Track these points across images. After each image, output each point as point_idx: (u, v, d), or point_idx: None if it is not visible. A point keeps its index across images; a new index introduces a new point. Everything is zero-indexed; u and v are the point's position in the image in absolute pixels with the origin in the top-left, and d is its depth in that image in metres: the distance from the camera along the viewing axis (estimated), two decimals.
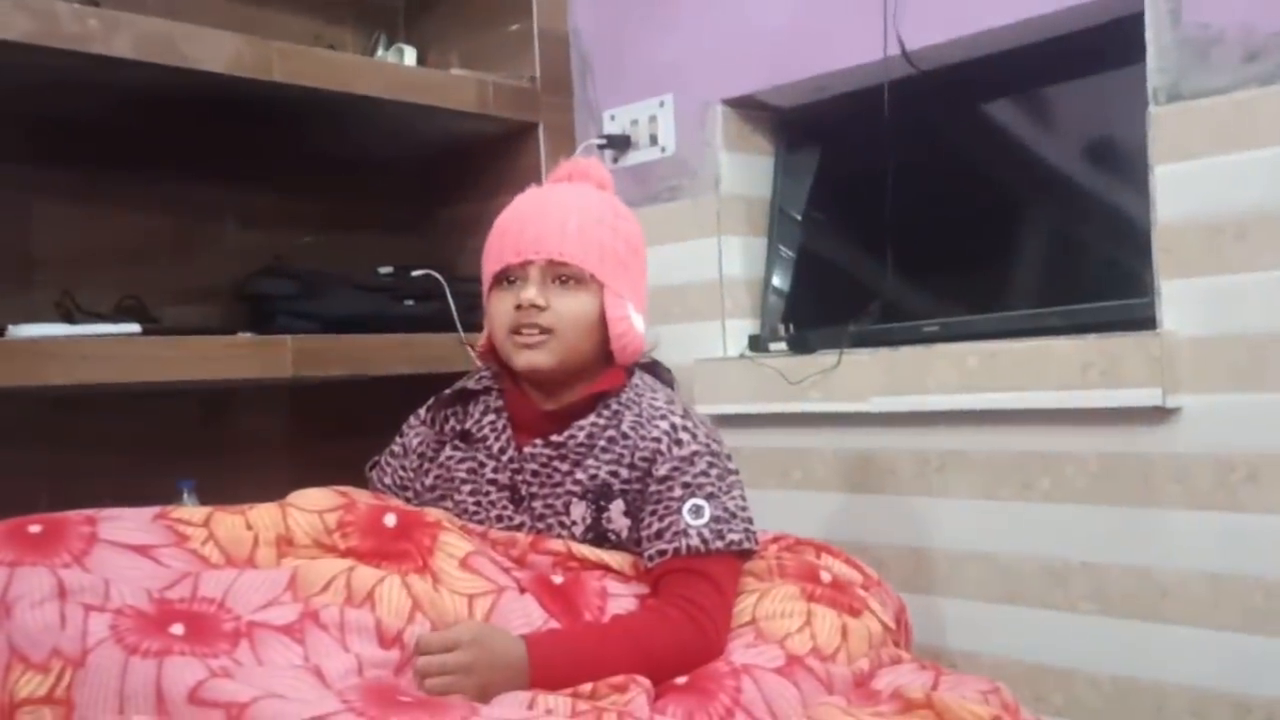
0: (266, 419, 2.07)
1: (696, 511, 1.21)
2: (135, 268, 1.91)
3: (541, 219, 1.27)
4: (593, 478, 1.26)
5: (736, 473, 1.29)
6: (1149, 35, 1.41)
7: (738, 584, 1.24)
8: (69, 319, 1.65)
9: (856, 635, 1.17)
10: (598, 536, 1.25)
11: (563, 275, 1.26)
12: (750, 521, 1.25)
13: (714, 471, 1.25)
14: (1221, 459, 1.35)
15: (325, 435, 1.99)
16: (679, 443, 1.25)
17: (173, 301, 1.89)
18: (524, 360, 1.26)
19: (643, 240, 1.35)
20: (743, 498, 1.26)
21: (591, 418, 1.26)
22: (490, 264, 1.29)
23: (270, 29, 1.93)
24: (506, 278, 1.28)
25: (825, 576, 1.25)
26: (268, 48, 1.69)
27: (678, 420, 1.27)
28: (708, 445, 1.27)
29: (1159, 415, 1.39)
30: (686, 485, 1.22)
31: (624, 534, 1.25)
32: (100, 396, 1.83)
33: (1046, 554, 1.49)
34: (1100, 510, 1.45)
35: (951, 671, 1.19)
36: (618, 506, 1.25)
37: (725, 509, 1.23)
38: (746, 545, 1.23)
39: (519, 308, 1.25)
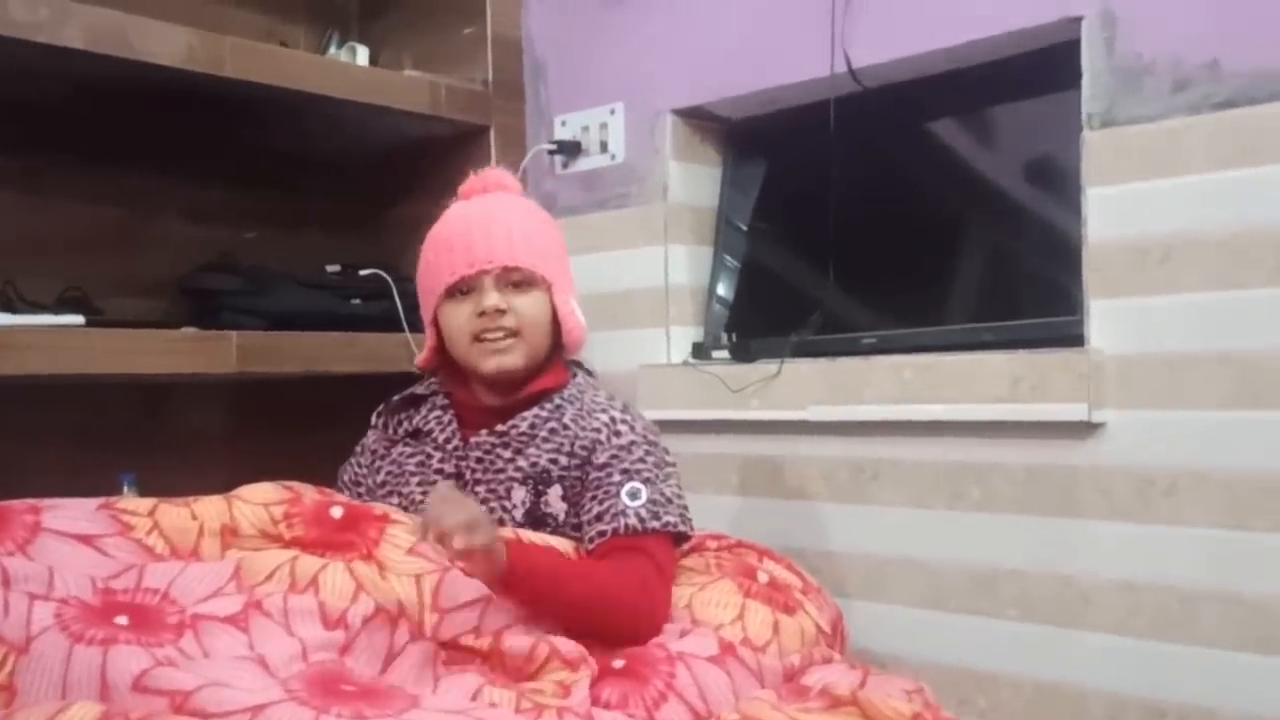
0: (209, 414, 2.06)
1: (634, 494, 1.27)
2: (79, 259, 1.89)
3: (486, 230, 1.34)
4: (533, 464, 1.31)
5: (673, 465, 1.36)
6: (1085, 62, 1.46)
7: (675, 566, 1.29)
8: (10, 309, 1.63)
9: (788, 631, 1.20)
10: (535, 520, 1.30)
11: (515, 280, 1.34)
12: (686, 510, 1.32)
13: (650, 459, 1.32)
14: (1142, 473, 1.40)
15: (268, 431, 1.99)
16: (618, 434, 1.32)
17: (117, 294, 1.87)
18: (494, 364, 1.32)
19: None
20: (679, 487, 1.34)
21: (535, 410, 1.32)
22: (440, 277, 1.35)
23: (223, 24, 1.92)
24: (459, 289, 1.34)
25: (763, 577, 1.29)
26: (220, 43, 1.69)
27: (617, 414, 1.35)
28: (645, 436, 1.34)
29: (1084, 429, 1.44)
30: (625, 471, 1.29)
31: (561, 518, 1.30)
32: (39, 388, 1.81)
33: (975, 561, 1.54)
34: (1026, 520, 1.49)
35: (879, 672, 1.23)
36: (555, 492, 1.30)
37: (661, 494, 1.29)
38: (682, 529, 1.30)
39: (481, 314, 1.31)
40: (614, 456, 1.30)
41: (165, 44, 1.63)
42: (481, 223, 1.35)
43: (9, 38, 1.49)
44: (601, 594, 1.20)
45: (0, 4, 1.48)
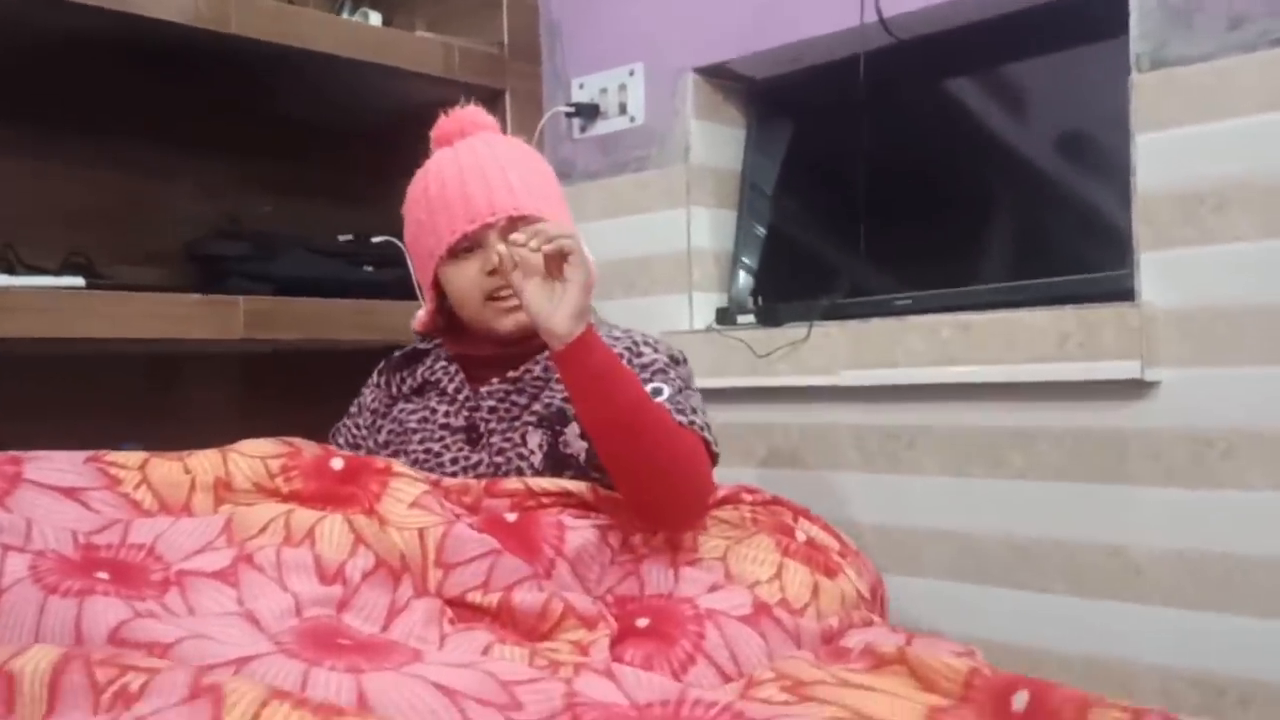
0: (218, 387, 2.00)
1: (656, 393, 1.18)
2: (84, 228, 1.83)
3: (483, 180, 1.24)
4: (548, 406, 1.23)
5: (698, 392, 1.28)
6: (1132, 1, 1.38)
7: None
8: (10, 272, 1.58)
9: (828, 595, 1.12)
10: (556, 464, 1.22)
11: (521, 229, 1.21)
12: (711, 428, 1.23)
13: (672, 373, 1.24)
14: (1198, 434, 1.31)
15: (278, 404, 1.92)
16: (640, 354, 1.24)
17: (122, 262, 1.82)
18: (513, 322, 1.23)
19: None
20: (704, 409, 1.24)
21: (548, 351, 1.21)
22: (439, 237, 1.25)
23: None
24: (462, 247, 1.24)
25: (800, 536, 1.21)
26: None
27: (639, 339, 1.27)
28: (670, 358, 1.27)
29: (1136, 389, 1.35)
30: (646, 380, 1.20)
31: (582, 458, 1.21)
32: (41, 360, 1.76)
33: (1018, 532, 1.45)
34: (1073, 487, 1.41)
35: (924, 635, 1.14)
36: (573, 430, 1.21)
37: (688, 403, 1.21)
38: (708, 437, 1.20)
39: (492, 273, 1.20)
40: (636, 372, 1.19)
41: None
42: (476, 172, 1.24)
43: None
44: (662, 425, 1.11)
45: None
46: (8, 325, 1.42)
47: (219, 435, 1.52)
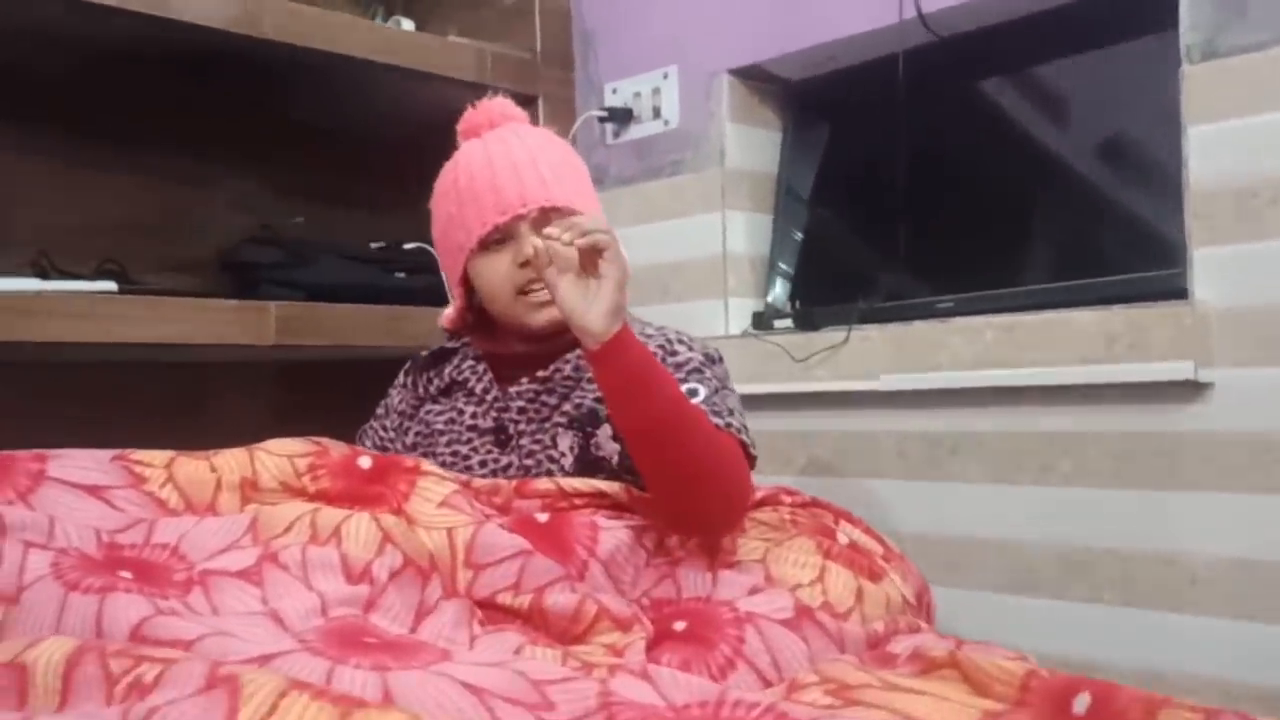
0: (248, 395, 1.99)
1: (691, 394, 1.14)
2: (118, 236, 1.83)
3: (513, 172, 1.21)
4: (578, 406, 1.20)
5: (735, 391, 1.23)
6: None
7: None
8: (43, 277, 1.57)
9: (872, 599, 1.08)
10: (587, 466, 1.18)
11: (553, 221, 1.17)
12: (748, 430, 1.18)
13: (708, 372, 1.19)
14: (1257, 437, 1.26)
15: (308, 414, 1.89)
16: (674, 353, 1.20)
17: (156, 271, 1.81)
18: (546, 317, 1.19)
19: None
20: (741, 410, 1.20)
21: (578, 351, 1.18)
22: (469, 230, 1.22)
23: None
24: (493, 240, 1.21)
25: (843, 539, 1.17)
26: (259, 3, 1.62)
27: (672, 336, 1.23)
28: (704, 355, 1.22)
29: (1190, 390, 1.30)
30: (681, 381, 1.15)
31: (614, 460, 1.17)
32: (72, 366, 1.75)
33: (1067, 541, 1.40)
34: (1125, 494, 1.36)
35: (975, 642, 1.10)
36: (605, 432, 1.17)
37: (724, 404, 1.17)
38: (746, 440, 1.16)
39: (524, 265, 1.17)
40: (671, 372, 1.15)
41: (202, 3, 1.57)
42: (505, 162, 1.21)
43: None
44: (700, 428, 1.07)
45: None
46: (40, 329, 1.42)
47: (249, 442, 1.50)
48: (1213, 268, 1.30)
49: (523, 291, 1.21)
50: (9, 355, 1.53)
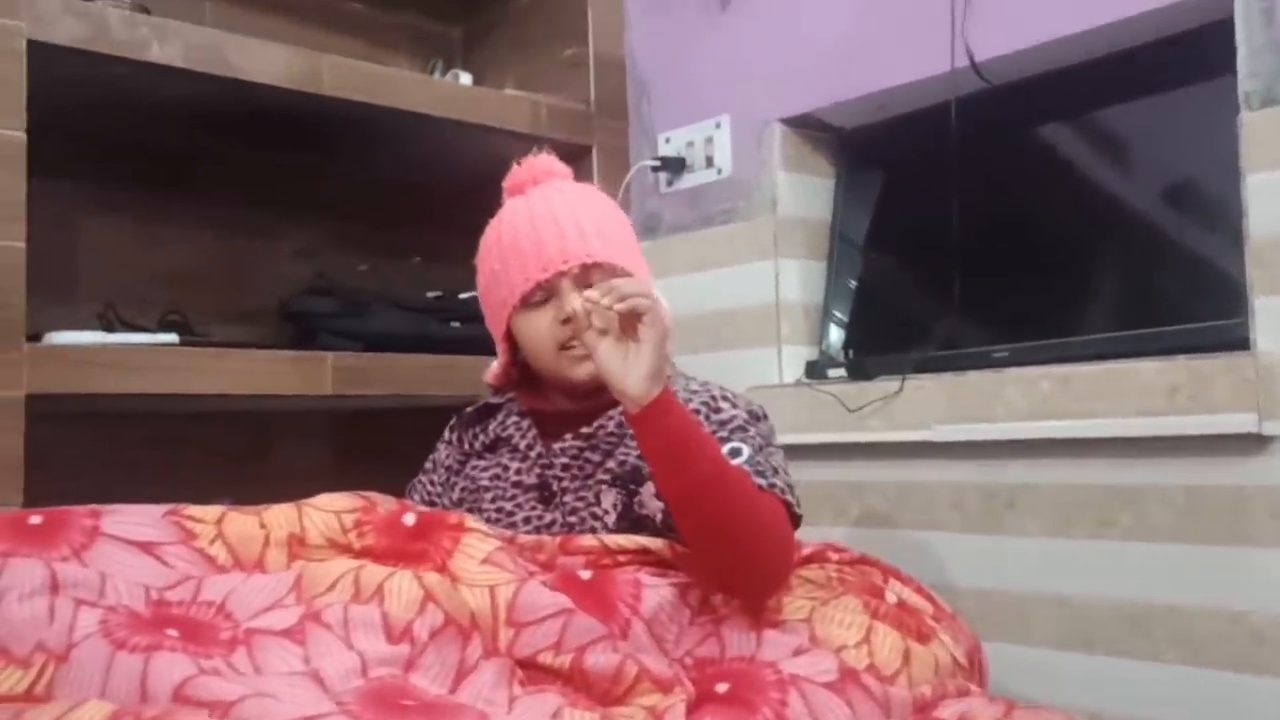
0: (308, 447, 2.02)
1: (735, 453, 1.13)
2: (182, 288, 1.88)
3: (555, 228, 1.21)
4: (622, 464, 1.19)
5: (779, 449, 1.22)
6: (1240, 37, 1.32)
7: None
8: (109, 330, 1.62)
9: (920, 661, 1.06)
10: (631, 525, 1.17)
11: (596, 278, 1.19)
12: (793, 489, 1.17)
13: (752, 430, 1.19)
14: None
15: (365, 464, 1.92)
16: (718, 410, 1.20)
17: (218, 322, 1.86)
18: (586, 371, 1.19)
19: None
20: (787, 471, 1.19)
21: (621, 407, 1.18)
22: (512, 287, 1.23)
23: (323, 52, 1.91)
24: (535, 297, 1.22)
25: (891, 598, 1.15)
26: (318, 60, 1.66)
27: (717, 394, 1.23)
28: (749, 413, 1.22)
29: (1253, 443, 1.27)
30: (724, 440, 1.15)
31: (658, 518, 1.16)
32: (135, 417, 1.79)
33: (1127, 597, 1.37)
34: (1186, 549, 1.32)
35: (1026, 705, 1.07)
36: (648, 490, 1.17)
37: (768, 462, 1.16)
38: (790, 500, 1.15)
39: (566, 321, 1.18)
40: (713, 431, 1.15)
41: (263, 61, 1.61)
42: (548, 219, 1.21)
43: (109, 55, 1.49)
44: (742, 491, 1.06)
45: (102, 24, 1.48)
46: (106, 381, 1.46)
47: (308, 492, 1.54)
48: (1275, 317, 1.27)
49: (564, 346, 1.21)
50: (79, 406, 1.57)
